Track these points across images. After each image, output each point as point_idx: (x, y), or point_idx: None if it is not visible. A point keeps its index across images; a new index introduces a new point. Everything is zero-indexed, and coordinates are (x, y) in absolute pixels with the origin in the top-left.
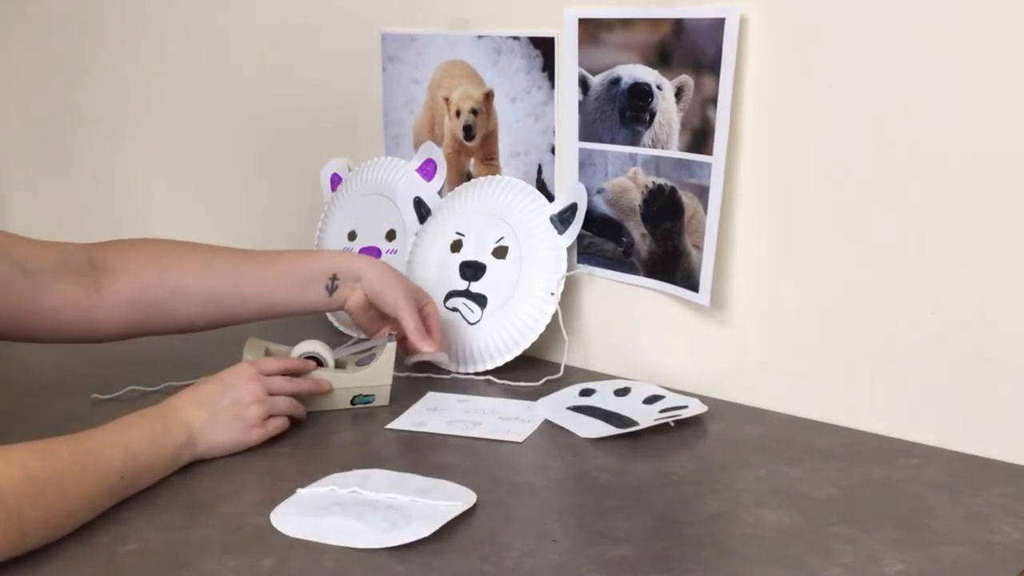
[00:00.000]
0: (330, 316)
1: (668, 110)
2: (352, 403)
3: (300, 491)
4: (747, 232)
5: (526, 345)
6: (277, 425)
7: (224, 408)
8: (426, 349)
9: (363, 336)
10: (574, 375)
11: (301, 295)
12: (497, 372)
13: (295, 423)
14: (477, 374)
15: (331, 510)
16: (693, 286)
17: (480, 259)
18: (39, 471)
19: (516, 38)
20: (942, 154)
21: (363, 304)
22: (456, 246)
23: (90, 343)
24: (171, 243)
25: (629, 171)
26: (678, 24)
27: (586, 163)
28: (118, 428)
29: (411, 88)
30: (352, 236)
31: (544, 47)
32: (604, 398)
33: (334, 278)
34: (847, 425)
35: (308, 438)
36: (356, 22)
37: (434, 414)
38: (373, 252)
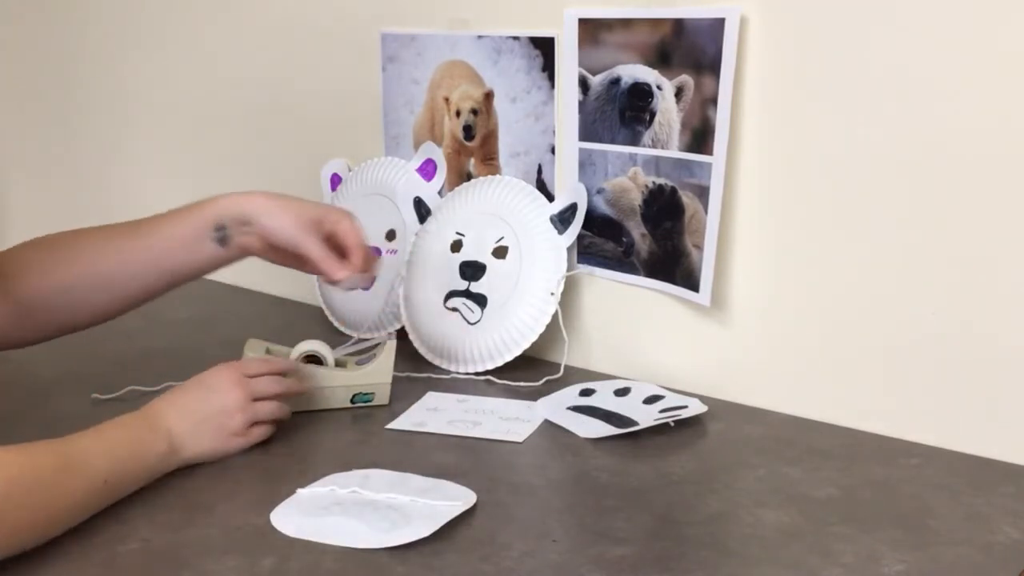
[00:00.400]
0: (330, 316)
1: (668, 110)
2: (352, 402)
3: (300, 491)
4: (747, 232)
5: (526, 345)
6: (260, 432)
7: (207, 416)
8: (338, 276)
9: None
10: (574, 375)
11: (192, 255)
12: (497, 372)
13: (287, 424)
14: (477, 374)
15: (331, 510)
16: (693, 286)
17: (480, 259)
18: (23, 474)
19: (516, 38)
20: (942, 154)
21: (265, 246)
22: (456, 246)
23: (5, 350)
24: (58, 237)
25: (629, 171)
26: (678, 24)
27: (586, 163)
28: (101, 433)
29: (411, 88)
30: None
31: (544, 47)
32: (604, 398)
33: (220, 227)
34: (847, 425)
35: (308, 438)
36: (356, 22)
37: (434, 414)
38: (373, 252)
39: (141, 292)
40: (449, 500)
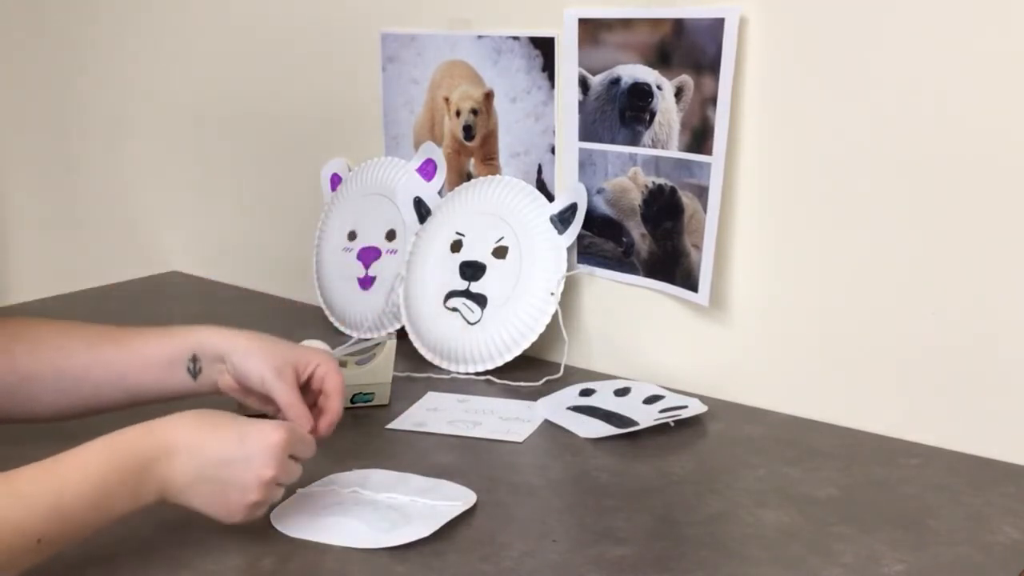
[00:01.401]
0: (330, 316)
1: (668, 110)
2: (352, 402)
3: (300, 491)
4: (747, 232)
5: (526, 345)
6: (262, 513)
7: (222, 482)
8: (308, 431)
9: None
10: (574, 375)
11: (161, 381)
12: (497, 372)
13: None
14: (477, 374)
15: (332, 510)
16: (693, 286)
17: (480, 259)
18: (24, 487)
19: (516, 38)
20: (941, 154)
21: (235, 386)
22: (456, 246)
23: None
24: (23, 323)
25: (629, 171)
26: (678, 24)
27: (586, 163)
28: (71, 467)
29: (411, 88)
30: (352, 236)
31: (544, 47)
32: (604, 398)
33: (194, 359)
34: (847, 425)
35: None
36: (356, 22)
37: (434, 414)
38: (373, 252)
39: (97, 402)
40: (449, 500)
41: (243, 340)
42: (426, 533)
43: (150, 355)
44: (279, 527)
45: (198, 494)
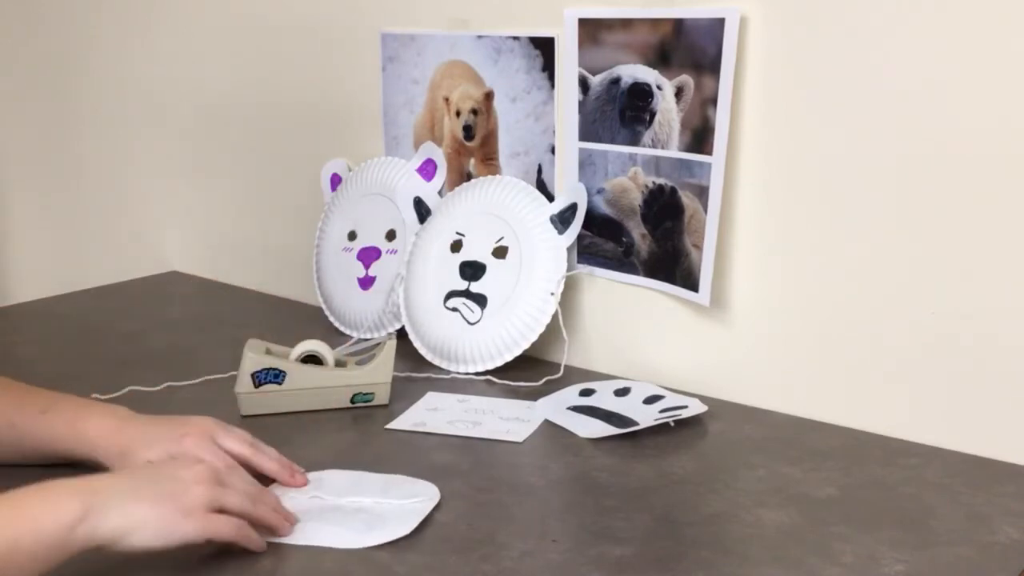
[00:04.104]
0: (330, 316)
1: (668, 110)
2: (352, 402)
3: None
4: (747, 232)
5: (526, 345)
6: (224, 526)
7: (154, 480)
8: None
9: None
10: (574, 375)
11: (79, 446)
12: (497, 372)
13: (287, 424)
14: (477, 374)
15: (301, 515)
16: (693, 286)
17: (480, 259)
18: None
19: (516, 38)
20: (942, 154)
21: None
22: (456, 246)
23: None
24: None
25: (629, 171)
26: (678, 24)
27: (586, 163)
28: None
29: (411, 88)
30: (352, 236)
31: (544, 47)
32: (604, 398)
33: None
34: (847, 425)
35: (308, 438)
36: (356, 22)
37: (434, 414)
38: (373, 252)
39: (15, 458)
40: (413, 497)
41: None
42: (405, 532)
43: (55, 447)
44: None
45: (133, 497)
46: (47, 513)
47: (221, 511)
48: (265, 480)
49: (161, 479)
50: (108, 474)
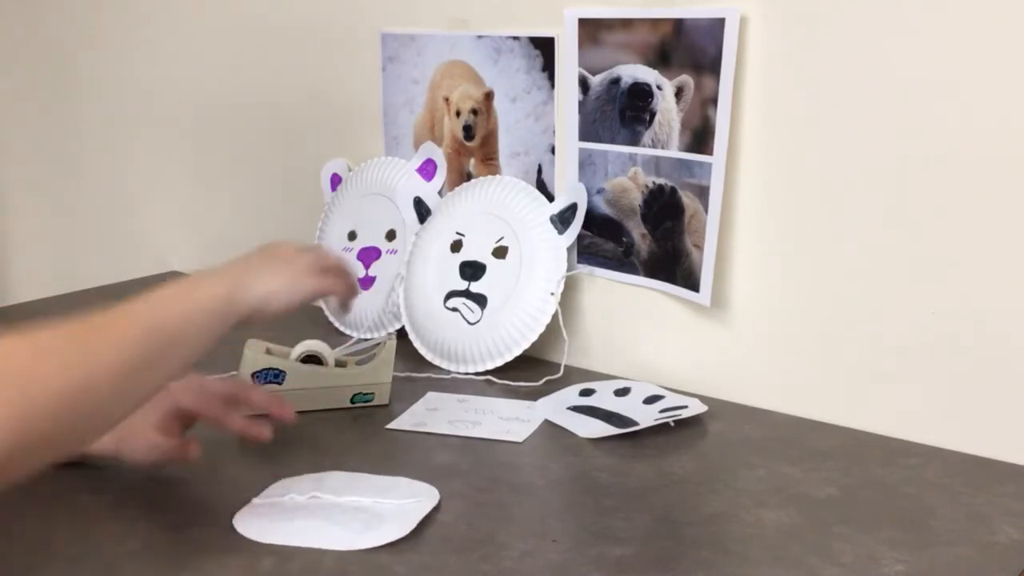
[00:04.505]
0: (330, 316)
1: (668, 110)
2: (352, 401)
3: (256, 500)
4: (747, 232)
5: (526, 345)
6: (332, 281)
7: (269, 259)
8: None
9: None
10: (574, 375)
11: None
12: (497, 372)
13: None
14: (477, 374)
15: (297, 515)
16: (694, 286)
17: (480, 259)
18: (54, 335)
19: (516, 38)
20: (942, 154)
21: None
22: (456, 246)
23: None
24: None
25: (629, 171)
26: (678, 24)
27: (586, 163)
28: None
29: (411, 88)
30: (352, 236)
31: (544, 47)
32: (604, 398)
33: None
34: (847, 425)
35: (308, 438)
36: (356, 22)
37: (434, 414)
38: (373, 252)
39: None
40: (413, 498)
41: (112, 439)
42: (403, 533)
43: None
44: (248, 535)
45: (262, 273)
46: (205, 294)
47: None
48: None
49: (273, 258)
50: (232, 262)
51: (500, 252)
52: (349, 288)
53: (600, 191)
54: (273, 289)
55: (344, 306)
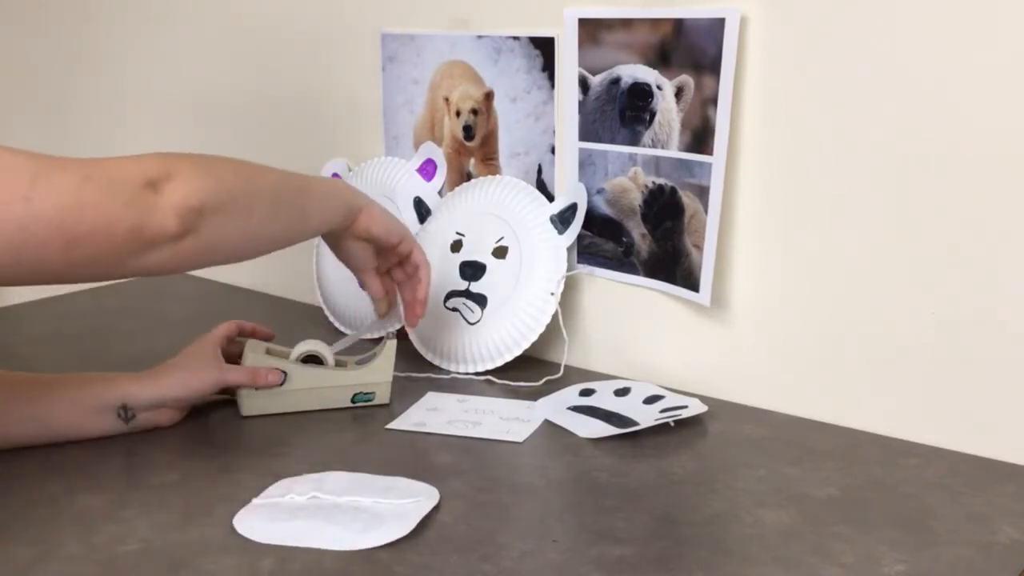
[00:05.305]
0: (330, 316)
1: (668, 110)
2: (352, 401)
3: (256, 501)
4: (747, 232)
5: (526, 345)
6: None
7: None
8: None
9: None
10: (574, 375)
11: (91, 421)
12: (497, 372)
13: (287, 424)
14: (477, 374)
15: (297, 515)
16: (694, 286)
17: (480, 259)
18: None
19: (516, 38)
20: (942, 154)
21: (178, 418)
22: (456, 246)
23: None
24: None
25: (629, 171)
26: (678, 24)
27: (586, 163)
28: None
29: (411, 88)
30: None
31: (544, 47)
32: (604, 398)
33: (124, 408)
34: (847, 425)
35: (308, 438)
36: (356, 22)
37: (434, 414)
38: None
39: (18, 436)
40: (413, 498)
41: (178, 375)
42: (403, 533)
43: (77, 397)
44: (248, 535)
45: (374, 206)
46: (329, 207)
47: None
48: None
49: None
50: (356, 192)
51: (500, 252)
52: (422, 287)
53: (600, 191)
54: (375, 216)
55: (391, 306)
